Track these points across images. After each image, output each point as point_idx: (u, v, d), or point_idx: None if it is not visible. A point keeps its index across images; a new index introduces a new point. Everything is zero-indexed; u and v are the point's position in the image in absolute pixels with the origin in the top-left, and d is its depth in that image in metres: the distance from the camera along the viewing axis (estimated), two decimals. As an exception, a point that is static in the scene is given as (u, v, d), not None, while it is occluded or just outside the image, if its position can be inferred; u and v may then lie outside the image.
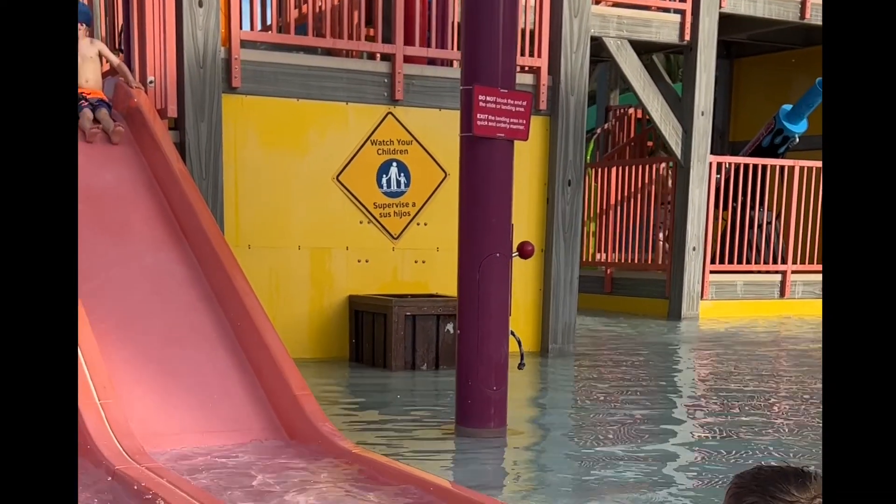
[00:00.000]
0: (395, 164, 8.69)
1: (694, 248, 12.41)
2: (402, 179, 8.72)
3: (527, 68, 9.15)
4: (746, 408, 6.93)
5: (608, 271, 13.85)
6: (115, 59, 7.54)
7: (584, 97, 9.32)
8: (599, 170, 14.27)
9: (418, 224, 8.76)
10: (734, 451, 5.56)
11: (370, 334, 8.24)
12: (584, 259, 14.28)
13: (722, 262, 12.86)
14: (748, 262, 13.05)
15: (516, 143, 8.99)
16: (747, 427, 6.26)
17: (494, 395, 5.81)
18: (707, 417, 6.82)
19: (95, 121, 7.03)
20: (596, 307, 13.39)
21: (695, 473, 5.18)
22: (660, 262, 13.04)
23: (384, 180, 8.67)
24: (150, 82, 7.66)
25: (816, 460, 4.80)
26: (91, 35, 7.61)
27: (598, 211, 14.12)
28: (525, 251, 6.09)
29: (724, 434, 6.14)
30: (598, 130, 16.87)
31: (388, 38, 8.68)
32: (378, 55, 8.76)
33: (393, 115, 8.65)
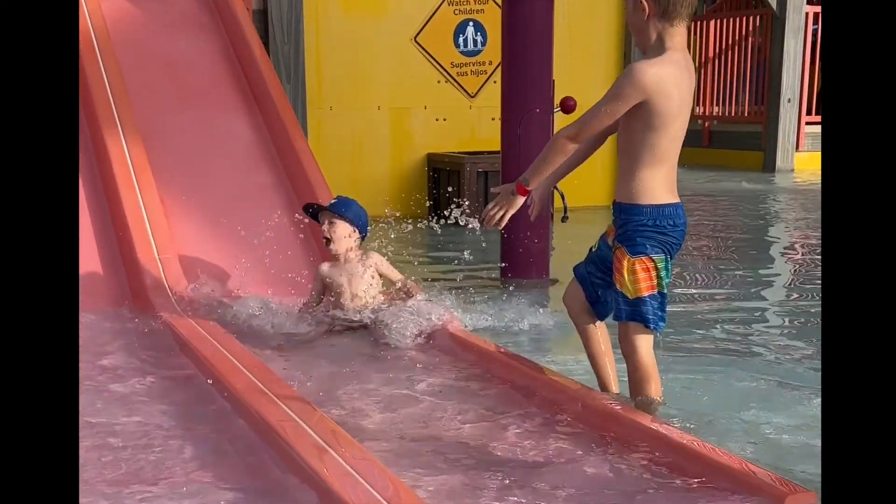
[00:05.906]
0: (471, 23, 8.52)
1: (789, 100, 11.87)
2: (479, 38, 8.55)
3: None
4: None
5: (706, 124, 13.41)
6: None
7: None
8: (697, 23, 13.67)
9: (495, 82, 8.57)
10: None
11: (446, 190, 8.24)
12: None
13: (819, 113, 12.26)
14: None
15: (595, 5, 8.64)
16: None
17: (535, 248, 5.79)
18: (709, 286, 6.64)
19: None
20: (694, 161, 13.01)
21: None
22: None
23: (461, 40, 8.52)
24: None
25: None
26: None
27: (696, 64, 13.59)
28: (567, 106, 5.95)
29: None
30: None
31: None
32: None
33: (469, -24, 8.45)
